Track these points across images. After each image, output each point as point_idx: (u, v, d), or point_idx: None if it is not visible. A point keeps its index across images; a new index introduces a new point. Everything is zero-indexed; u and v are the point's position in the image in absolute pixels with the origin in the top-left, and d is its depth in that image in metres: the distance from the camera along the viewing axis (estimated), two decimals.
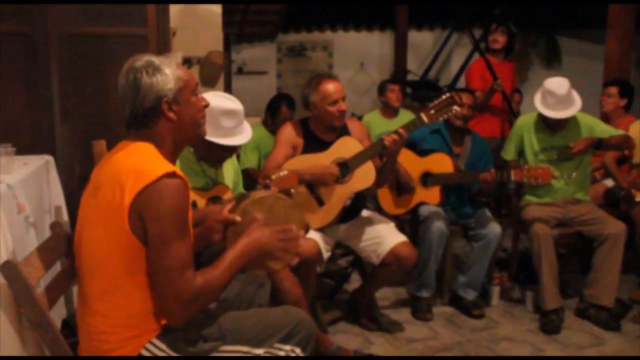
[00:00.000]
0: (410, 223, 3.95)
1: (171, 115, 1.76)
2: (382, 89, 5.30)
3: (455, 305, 3.68)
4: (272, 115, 4.55)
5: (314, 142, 3.14)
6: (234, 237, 1.94)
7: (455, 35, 8.13)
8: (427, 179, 3.67)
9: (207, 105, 1.88)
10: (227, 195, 2.72)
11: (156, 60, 1.77)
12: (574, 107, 3.58)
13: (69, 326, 2.33)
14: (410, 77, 7.81)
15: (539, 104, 3.63)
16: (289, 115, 4.50)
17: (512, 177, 3.42)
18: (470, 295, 3.63)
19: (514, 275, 3.98)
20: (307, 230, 2.13)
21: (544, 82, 3.66)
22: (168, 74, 1.75)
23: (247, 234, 1.87)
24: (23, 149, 2.64)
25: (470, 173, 3.66)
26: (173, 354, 1.74)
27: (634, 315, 3.54)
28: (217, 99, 2.60)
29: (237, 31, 7.77)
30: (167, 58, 1.80)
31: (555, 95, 3.54)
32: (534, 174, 3.38)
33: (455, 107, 3.05)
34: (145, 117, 1.75)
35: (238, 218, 1.94)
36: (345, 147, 3.11)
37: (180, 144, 1.84)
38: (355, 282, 3.95)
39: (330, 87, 3.08)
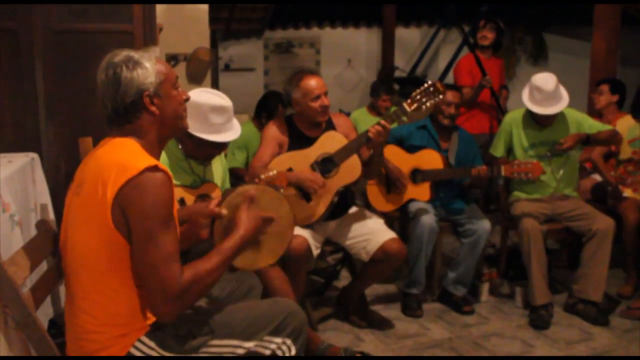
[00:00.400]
0: (399, 220, 3.94)
1: (153, 109, 1.74)
2: (375, 92, 5.28)
3: (445, 301, 3.68)
4: (269, 116, 4.49)
5: (300, 139, 3.13)
6: (221, 231, 1.93)
7: (443, 32, 8.14)
8: (417, 175, 3.66)
9: (187, 99, 1.86)
10: (216, 193, 2.70)
11: (135, 54, 1.75)
12: (562, 103, 3.58)
13: (56, 326, 2.30)
14: (397, 74, 7.82)
15: (527, 100, 3.62)
16: (285, 114, 4.45)
17: (503, 173, 3.42)
18: (460, 291, 3.63)
19: (503, 271, 3.99)
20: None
21: (531, 78, 3.65)
22: (148, 67, 1.73)
23: (237, 228, 1.84)
24: (7, 147, 2.61)
25: (460, 169, 3.66)
26: (162, 351, 1.72)
27: (622, 310, 3.56)
28: (206, 96, 2.58)
29: (224, 28, 7.73)
30: (146, 52, 1.78)
31: (543, 91, 3.54)
32: (524, 168, 3.38)
33: (439, 95, 3.03)
34: (127, 112, 1.73)
35: (224, 211, 1.92)
36: (330, 141, 3.10)
37: (164, 138, 1.82)
38: (344, 279, 3.94)
39: (311, 82, 3.06)
